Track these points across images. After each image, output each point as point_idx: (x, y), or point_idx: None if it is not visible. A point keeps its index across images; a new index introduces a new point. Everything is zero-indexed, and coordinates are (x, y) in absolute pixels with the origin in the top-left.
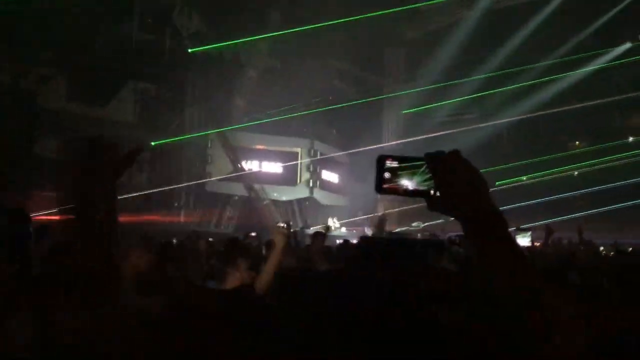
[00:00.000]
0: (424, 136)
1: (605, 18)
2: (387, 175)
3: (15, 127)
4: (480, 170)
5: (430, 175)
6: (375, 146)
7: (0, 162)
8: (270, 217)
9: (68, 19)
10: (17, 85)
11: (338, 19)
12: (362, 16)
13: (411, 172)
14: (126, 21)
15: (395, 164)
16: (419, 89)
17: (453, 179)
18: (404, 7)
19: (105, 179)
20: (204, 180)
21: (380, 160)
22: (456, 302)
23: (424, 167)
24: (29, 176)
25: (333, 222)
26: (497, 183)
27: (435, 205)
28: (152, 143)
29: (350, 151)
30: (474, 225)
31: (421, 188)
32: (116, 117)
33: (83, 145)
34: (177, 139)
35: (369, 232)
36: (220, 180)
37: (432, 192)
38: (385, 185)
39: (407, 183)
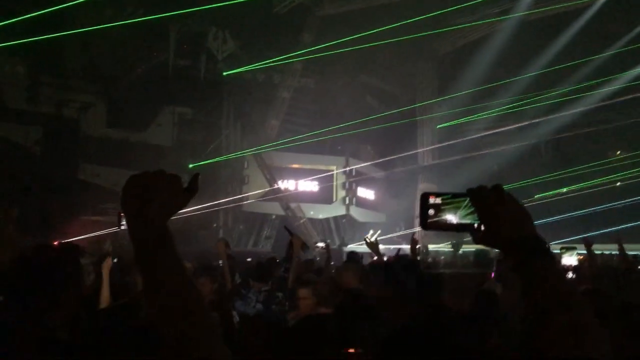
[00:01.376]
0: (460, 156)
1: None
2: (431, 211)
3: (60, 154)
4: (520, 186)
5: (474, 209)
6: (410, 166)
7: (46, 188)
8: (308, 235)
9: (107, 48)
10: (60, 113)
11: (369, 37)
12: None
13: (454, 207)
14: (162, 48)
15: (438, 201)
16: (451, 108)
17: (496, 212)
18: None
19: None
20: (241, 202)
21: (424, 197)
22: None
23: (467, 201)
24: (74, 201)
25: (373, 234)
26: (536, 196)
27: (480, 239)
28: (190, 165)
29: (385, 165)
30: (518, 256)
31: (465, 222)
32: (155, 141)
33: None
34: (214, 160)
35: (405, 247)
36: (257, 200)
37: (476, 225)
38: (430, 221)
39: (451, 218)
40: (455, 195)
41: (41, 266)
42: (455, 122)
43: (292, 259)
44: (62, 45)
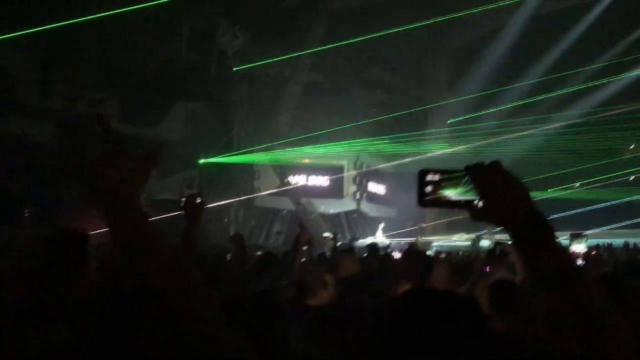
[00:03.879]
0: (470, 145)
1: None
2: (428, 188)
3: (70, 149)
4: (526, 179)
5: (472, 186)
6: (420, 156)
7: (58, 184)
8: (319, 230)
9: (118, 42)
10: (71, 108)
11: (379, 31)
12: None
13: (453, 184)
14: (174, 43)
15: (436, 177)
16: (462, 102)
17: (494, 189)
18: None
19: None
20: (253, 195)
21: (422, 174)
22: (514, 312)
23: (465, 178)
24: (82, 196)
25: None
26: (549, 190)
27: (478, 215)
28: (201, 161)
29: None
30: (518, 233)
31: (463, 199)
32: (167, 136)
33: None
34: (224, 156)
35: (418, 241)
36: (268, 195)
37: (474, 202)
38: (427, 199)
39: (449, 195)
40: (453, 172)
41: (58, 247)
42: (466, 117)
43: (297, 251)
44: (74, 40)
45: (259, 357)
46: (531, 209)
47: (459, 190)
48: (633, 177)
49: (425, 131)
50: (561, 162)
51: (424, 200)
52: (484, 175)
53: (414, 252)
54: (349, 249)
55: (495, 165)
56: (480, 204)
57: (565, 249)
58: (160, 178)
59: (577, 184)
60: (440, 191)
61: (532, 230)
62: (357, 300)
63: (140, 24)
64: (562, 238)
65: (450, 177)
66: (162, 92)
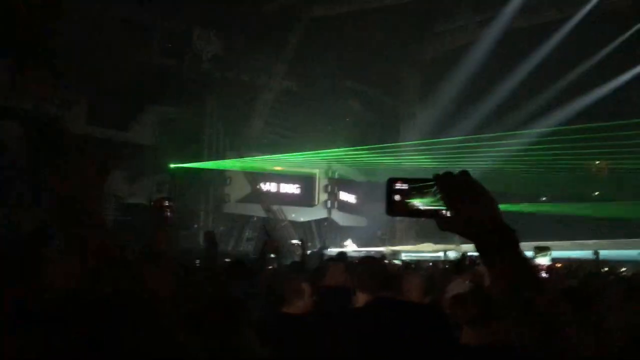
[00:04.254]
0: (440, 157)
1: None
2: (397, 197)
3: (39, 151)
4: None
5: (440, 195)
6: (392, 167)
7: (25, 185)
8: (289, 238)
9: (90, 44)
10: (40, 110)
11: (353, 41)
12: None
13: (421, 193)
14: (146, 46)
15: (405, 186)
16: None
17: (462, 199)
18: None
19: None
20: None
21: (390, 182)
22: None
23: (434, 188)
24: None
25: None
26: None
27: (445, 225)
28: (171, 165)
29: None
30: (484, 243)
31: (431, 208)
32: (137, 140)
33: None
34: (196, 163)
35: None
36: (238, 201)
37: (442, 212)
38: (395, 208)
39: (417, 204)
40: (422, 181)
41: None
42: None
43: (264, 259)
44: (44, 41)
45: None
46: (497, 221)
47: (427, 199)
48: (597, 192)
49: (398, 142)
50: (529, 176)
51: (392, 209)
52: (452, 185)
53: (371, 262)
54: (339, 258)
55: (464, 175)
56: (448, 213)
57: (529, 261)
58: (130, 182)
59: (544, 198)
60: (409, 200)
61: (497, 241)
62: (330, 310)
63: (114, 26)
64: (526, 251)
65: (418, 186)
66: (133, 95)
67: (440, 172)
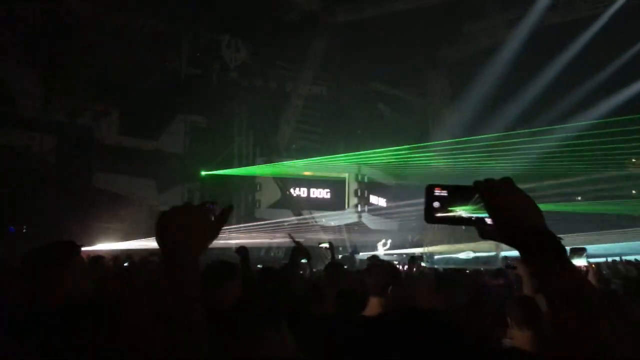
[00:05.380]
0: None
1: None
2: (436, 204)
3: (74, 161)
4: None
5: (481, 202)
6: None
7: (61, 195)
8: (319, 242)
9: (120, 55)
10: (74, 122)
11: (381, 44)
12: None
13: (461, 200)
14: (176, 56)
15: (444, 193)
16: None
17: (504, 207)
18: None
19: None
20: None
21: (429, 189)
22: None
23: (475, 195)
24: (87, 208)
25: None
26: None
27: (487, 233)
28: (202, 173)
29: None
30: (527, 251)
31: (473, 216)
32: (168, 149)
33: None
34: (225, 171)
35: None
36: (269, 207)
37: (483, 219)
38: (435, 215)
39: (457, 212)
40: (462, 188)
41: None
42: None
43: (296, 264)
44: (75, 53)
45: None
46: (541, 229)
47: (467, 207)
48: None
49: (428, 143)
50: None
51: (432, 216)
52: (493, 191)
53: (379, 264)
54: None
55: (506, 181)
56: (490, 221)
57: (575, 269)
58: (162, 190)
59: (579, 197)
60: (449, 207)
61: (542, 249)
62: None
63: (142, 37)
64: None
65: (458, 193)
66: (163, 105)
67: (481, 179)
